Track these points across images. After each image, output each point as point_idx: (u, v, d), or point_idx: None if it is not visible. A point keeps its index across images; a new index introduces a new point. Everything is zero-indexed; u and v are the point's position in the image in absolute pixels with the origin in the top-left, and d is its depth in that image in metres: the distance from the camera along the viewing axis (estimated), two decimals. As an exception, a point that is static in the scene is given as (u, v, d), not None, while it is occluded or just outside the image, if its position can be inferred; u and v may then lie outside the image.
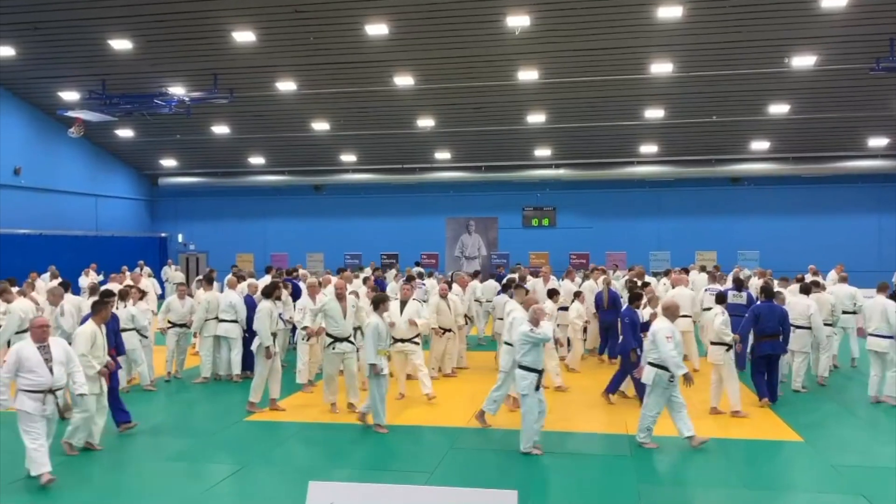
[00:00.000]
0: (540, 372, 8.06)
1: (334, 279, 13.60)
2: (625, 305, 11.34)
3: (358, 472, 7.51)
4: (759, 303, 10.77)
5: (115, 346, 8.91)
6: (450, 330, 12.29)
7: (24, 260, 20.70)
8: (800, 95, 21.09)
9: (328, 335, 9.82)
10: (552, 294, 11.68)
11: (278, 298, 10.44)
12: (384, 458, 8.14)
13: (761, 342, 10.25)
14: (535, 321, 8.14)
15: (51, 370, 6.97)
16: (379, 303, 9.23)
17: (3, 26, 18.93)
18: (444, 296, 12.43)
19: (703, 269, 18.15)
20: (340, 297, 9.92)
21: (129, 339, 10.80)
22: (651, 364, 8.22)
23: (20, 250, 22.45)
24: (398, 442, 8.72)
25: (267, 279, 14.57)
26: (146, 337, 11.48)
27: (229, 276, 14.11)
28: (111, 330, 8.70)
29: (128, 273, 18.09)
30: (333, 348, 9.72)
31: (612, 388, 10.50)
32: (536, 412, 8.01)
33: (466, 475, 7.40)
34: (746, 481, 7.29)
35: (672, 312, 8.56)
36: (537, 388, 8.02)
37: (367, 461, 8.00)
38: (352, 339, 9.90)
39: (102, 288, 11.13)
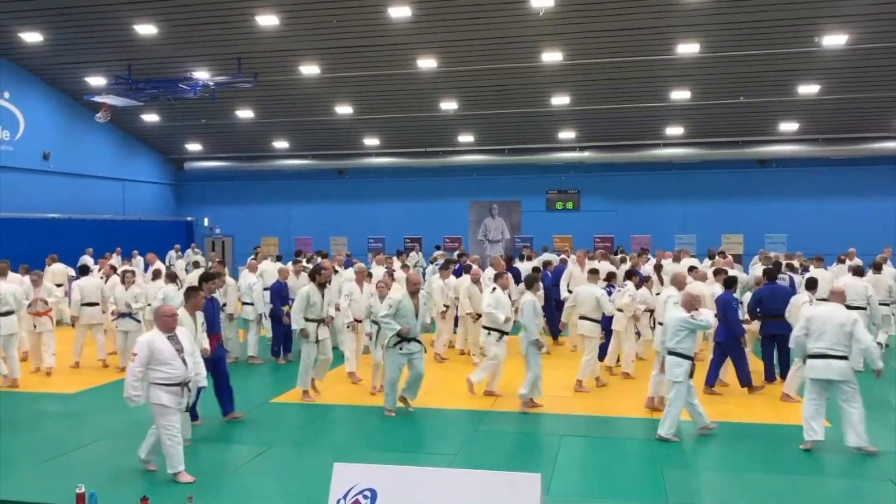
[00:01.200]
0: (692, 359, 7.93)
1: (399, 272, 13.72)
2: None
3: (382, 453, 7.57)
4: (762, 286, 10.97)
5: (216, 332, 8.63)
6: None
7: (54, 244, 21.01)
8: (830, 75, 20.67)
9: (397, 335, 8.82)
10: (629, 276, 11.61)
11: (322, 284, 9.86)
12: (409, 441, 8.19)
13: (766, 323, 10.50)
14: (690, 307, 8.05)
15: (183, 361, 6.65)
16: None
17: (31, 12, 19.14)
18: (475, 280, 12.12)
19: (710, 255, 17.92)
20: (414, 293, 9.03)
21: (126, 324, 11.50)
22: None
23: (50, 234, 22.80)
24: (423, 424, 8.78)
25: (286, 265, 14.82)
26: (139, 321, 11.54)
27: (250, 259, 14.49)
28: (211, 315, 8.51)
29: (113, 257, 18.61)
30: (401, 349, 8.84)
31: (713, 379, 10.03)
32: (685, 399, 7.91)
33: (490, 458, 7.44)
34: (773, 466, 7.25)
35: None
36: (691, 375, 7.92)
37: (392, 443, 8.06)
38: (419, 337, 9.08)
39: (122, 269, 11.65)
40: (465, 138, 26.76)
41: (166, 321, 6.67)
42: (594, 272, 11.12)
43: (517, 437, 8.27)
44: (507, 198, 28.47)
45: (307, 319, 9.68)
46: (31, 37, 20.47)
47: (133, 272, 12.41)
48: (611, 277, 11.80)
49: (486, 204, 28.75)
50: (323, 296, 9.76)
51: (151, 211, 29.70)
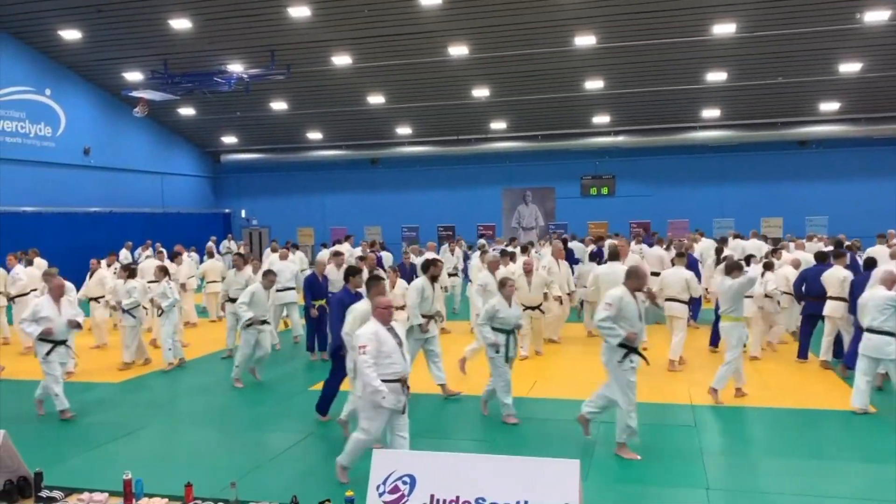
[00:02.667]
0: None
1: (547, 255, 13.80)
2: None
3: (419, 440, 7.62)
4: (809, 267, 11.29)
5: None
6: (535, 308, 11.28)
7: (97, 237, 21.51)
8: (873, 52, 20.12)
9: (623, 345, 6.94)
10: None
11: (435, 277, 9.48)
12: (446, 427, 8.24)
13: (808, 303, 10.84)
14: (891, 284, 8.26)
15: (403, 356, 6.20)
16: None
17: (69, 10, 19.50)
18: (528, 271, 11.31)
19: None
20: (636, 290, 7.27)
21: (126, 320, 11.46)
22: None
23: (92, 228, 23.32)
24: (460, 411, 8.81)
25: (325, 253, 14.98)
26: (135, 317, 11.48)
27: (281, 248, 15.00)
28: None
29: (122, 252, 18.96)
30: (631, 361, 7.04)
31: (852, 359, 9.31)
32: None
33: (528, 444, 7.45)
34: (813, 451, 7.15)
35: None
36: None
37: (430, 429, 8.11)
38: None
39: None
40: (498, 125, 26.65)
41: (383, 313, 6.19)
42: (681, 255, 11.67)
43: (555, 423, 8.26)
44: (541, 184, 28.33)
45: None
46: (70, 34, 20.87)
47: (130, 266, 12.27)
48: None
49: (520, 191, 28.64)
50: (434, 289, 9.48)
51: (190, 203, 30.15)
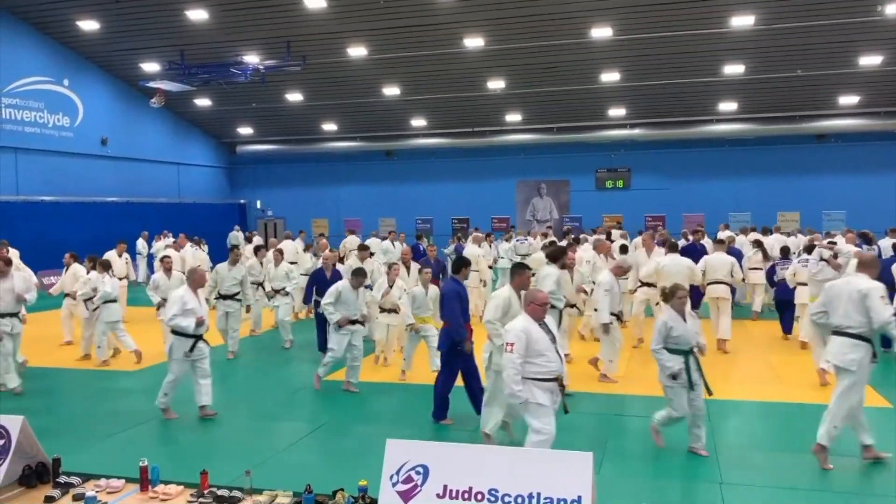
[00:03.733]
0: None
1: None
2: None
3: (433, 430, 7.65)
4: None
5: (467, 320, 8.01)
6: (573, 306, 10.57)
7: (114, 227, 21.67)
8: (894, 46, 19.87)
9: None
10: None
11: (565, 266, 9.18)
12: (459, 418, 8.25)
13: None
14: None
15: (558, 353, 5.85)
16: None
17: (88, 1, 19.62)
18: (566, 266, 10.53)
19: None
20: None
21: (114, 312, 10.89)
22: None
23: (109, 218, 23.49)
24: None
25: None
26: (88, 309, 11.22)
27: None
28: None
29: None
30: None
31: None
32: None
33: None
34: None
35: None
36: None
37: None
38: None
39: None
40: (513, 117, 26.58)
41: (536, 309, 5.83)
42: (721, 242, 12.46)
43: (569, 415, 8.26)
44: (556, 177, 28.24)
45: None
46: (89, 24, 21.01)
47: (102, 260, 11.76)
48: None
49: (534, 183, 28.57)
50: (572, 279, 9.46)
51: (205, 194, 30.33)
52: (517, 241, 19.49)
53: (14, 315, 9.22)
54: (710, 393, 6.73)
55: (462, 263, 8.10)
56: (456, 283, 7.92)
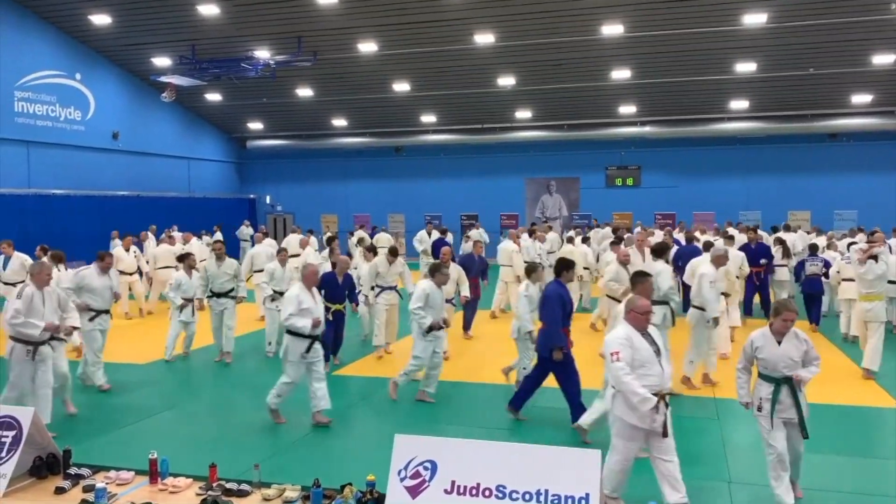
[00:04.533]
0: None
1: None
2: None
3: (441, 426, 7.66)
4: None
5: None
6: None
7: (124, 220, 21.78)
8: (907, 44, 19.75)
9: None
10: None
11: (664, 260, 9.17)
12: (467, 414, 8.26)
13: None
14: None
15: (661, 366, 5.40)
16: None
17: (100, -5, 19.72)
18: (624, 262, 10.23)
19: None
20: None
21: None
22: None
23: (119, 212, 23.60)
24: (481, 398, 8.83)
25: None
26: None
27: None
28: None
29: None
30: None
31: None
32: None
33: (549, 433, 7.44)
34: (837, 448, 7.07)
35: None
36: None
37: (451, 416, 8.14)
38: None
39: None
40: (523, 114, 26.53)
41: (639, 318, 5.44)
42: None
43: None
44: (565, 174, 28.18)
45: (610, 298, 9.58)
46: (101, 18, 21.09)
47: (57, 254, 11.25)
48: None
49: (544, 181, 28.52)
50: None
51: (216, 188, 30.41)
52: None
53: (108, 312, 9.23)
54: (805, 436, 5.64)
55: (564, 266, 7.95)
56: (560, 285, 7.78)
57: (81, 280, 9.04)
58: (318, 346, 7.75)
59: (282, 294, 10.89)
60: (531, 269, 8.95)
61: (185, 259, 11.29)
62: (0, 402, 6.96)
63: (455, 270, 11.23)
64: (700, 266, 9.81)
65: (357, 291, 11.22)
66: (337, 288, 10.29)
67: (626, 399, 5.26)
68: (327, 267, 11.01)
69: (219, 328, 10.97)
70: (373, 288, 11.19)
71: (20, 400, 7.02)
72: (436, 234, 19.52)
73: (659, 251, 9.35)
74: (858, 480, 6.34)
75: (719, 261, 9.58)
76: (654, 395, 5.20)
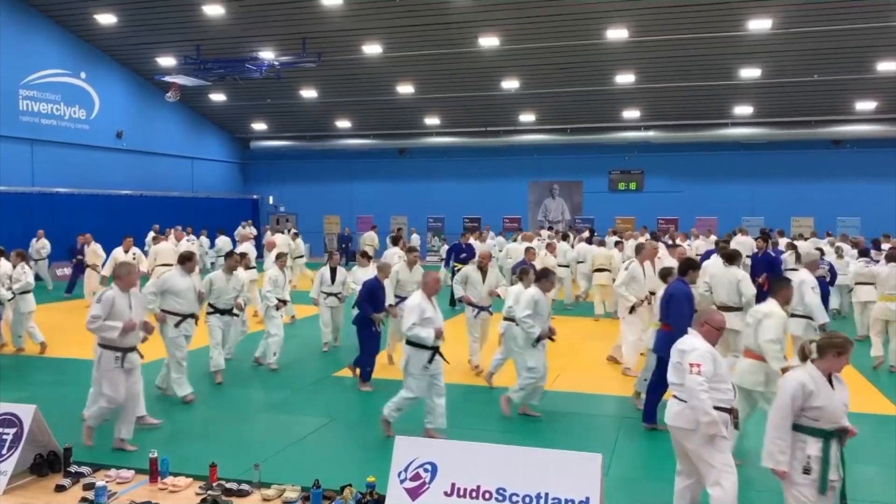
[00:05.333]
0: None
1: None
2: None
3: (442, 428, 7.65)
4: None
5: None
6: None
7: (128, 219, 21.82)
8: (912, 51, 19.74)
9: None
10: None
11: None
12: (467, 417, 8.25)
13: None
14: None
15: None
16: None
17: (106, -5, 19.77)
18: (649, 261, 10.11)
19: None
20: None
21: (30, 302, 10.93)
22: None
23: (123, 211, 23.64)
24: (482, 402, 8.82)
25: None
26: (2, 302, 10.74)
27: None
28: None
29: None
30: None
31: None
32: None
33: (550, 437, 7.44)
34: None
35: None
36: None
37: (453, 419, 8.13)
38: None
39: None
40: (527, 118, 26.55)
41: (711, 331, 5.18)
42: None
43: (577, 417, 8.25)
44: (569, 178, 28.19)
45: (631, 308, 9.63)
46: (106, 18, 21.15)
47: (21, 252, 11.37)
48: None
49: (547, 184, 28.52)
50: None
51: (219, 188, 30.45)
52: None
53: (193, 316, 8.62)
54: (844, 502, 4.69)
55: (689, 266, 7.80)
56: (685, 284, 7.62)
57: (164, 283, 8.49)
58: (438, 357, 7.29)
59: (286, 303, 10.87)
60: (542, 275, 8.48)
61: (232, 256, 10.47)
62: (94, 414, 6.94)
63: (494, 275, 10.40)
64: (798, 273, 9.47)
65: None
66: (382, 296, 9.59)
67: (692, 414, 4.94)
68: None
69: (219, 343, 9.71)
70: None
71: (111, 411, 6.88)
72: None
73: (731, 257, 9.15)
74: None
75: (811, 267, 9.33)
76: (727, 409, 4.99)
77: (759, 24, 18.65)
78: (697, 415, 4.88)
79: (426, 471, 4.76)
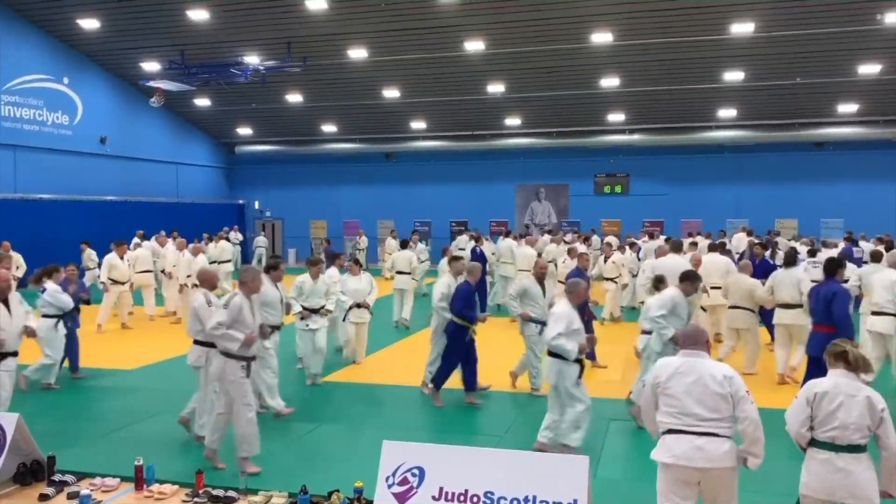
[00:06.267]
0: None
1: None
2: None
3: (430, 433, 7.64)
4: None
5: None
6: None
7: (112, 225, 21.64)
8: (893, 54, 19.93)
9: None
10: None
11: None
12: (456, 420, 8.25)
13: None
14: None
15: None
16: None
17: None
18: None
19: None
20: None
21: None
22: None
23: (107, 217, 23.46)
24: (469, 405, 8.82)
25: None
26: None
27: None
28: None
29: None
30: None
31: None
32: None
33: (535, 440, 7.43)
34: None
35: None
36: None
37: (439, 423, 8.13)
38: None
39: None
40: (513, 121, 26.62)
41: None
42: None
43: (564, 420, 8.25)
44: (555, 181, 28.28)
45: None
46: (89, 23, 21.01)
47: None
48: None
49: (533, 188, 28.60)
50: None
51: (204, 194, 30.30)
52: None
53: (278, 328, 8.14)
54: None
55: (838, 264, 7.83)
56: (836, 283, 7.68)
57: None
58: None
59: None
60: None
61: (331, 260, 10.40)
62: (208, 427, 6.70)
63: (550, 286, 9.73)
64: (879, 272, 9.60)
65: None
66: (475, 301, 8.88)
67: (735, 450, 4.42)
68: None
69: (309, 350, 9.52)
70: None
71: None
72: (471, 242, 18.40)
73: (789, 260, 9.82)
74: None
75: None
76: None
77: (742, 28, 18.80)
78: (756, 450, 4.37)
79: (414, 475, 4.74)
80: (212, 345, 6.72)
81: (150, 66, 23.32)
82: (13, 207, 20.86)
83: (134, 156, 26.16)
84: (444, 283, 9.12)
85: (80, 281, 10.98)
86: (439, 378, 8.76)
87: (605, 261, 14.70)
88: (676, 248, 11.33)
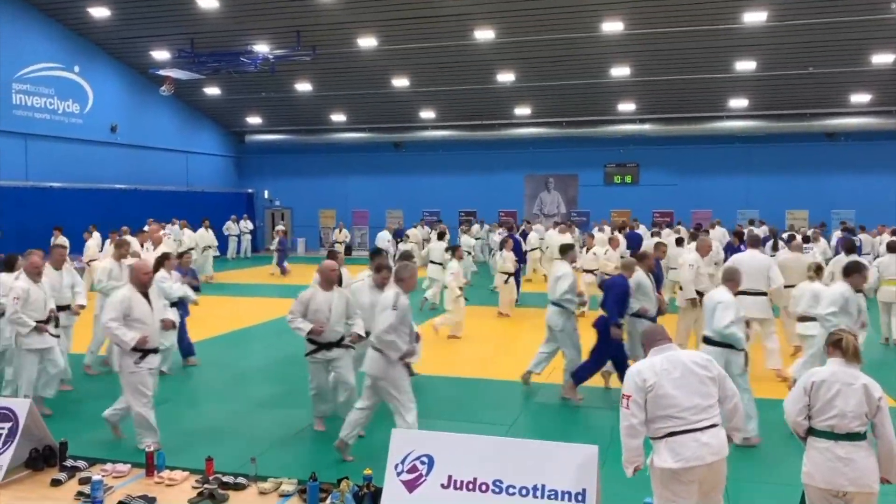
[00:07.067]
0: None
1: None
2: None
3: (438, 421, 7.65)
4: None
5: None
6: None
7: (122, 214, 21.72)
8: (907, 44, 19.76)
9: None
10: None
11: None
12: (464, 409, 8.26)
13: None
14: None
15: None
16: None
17: (99, -12, 19.65)
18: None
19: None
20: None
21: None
22: None
23: (117, 205, 23.53)
24: (478, 394, 8.83)
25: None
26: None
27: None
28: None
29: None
30: None
31: None
32: None
33: (547, 429, 7.45)
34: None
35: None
36: None
37: (448, 411, 8.14)
38: None
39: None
40: (522, 111, 26.52)
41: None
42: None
43: (573, 409, 8.26)
44: (564, 171, 28.18)
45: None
46: (99, 11, 21.03)
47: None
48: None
49: (542, 177, 28.52)
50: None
51: (214, 183, 30.35)
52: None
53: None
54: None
55: (856, 269, 7.54)
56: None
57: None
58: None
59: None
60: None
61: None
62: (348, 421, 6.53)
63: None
64: None
65: None
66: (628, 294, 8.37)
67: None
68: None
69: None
70: None
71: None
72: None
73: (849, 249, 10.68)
74: None
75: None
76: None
77: (754, 17, 18.63)
78: (740, 423, 4.66)
79: (423, 463, 4.76)
80: None
81: (160, 54, 23.34)
82: (24, 195, 20.95)
83: (144, 144, 26.21)
84: (569, 273, 8.54)
85: (191, 269, 11.01)
86: (582, 374, 8.40)
87: (586, 251, 14.82)
88: (754, 242, 10.17)
